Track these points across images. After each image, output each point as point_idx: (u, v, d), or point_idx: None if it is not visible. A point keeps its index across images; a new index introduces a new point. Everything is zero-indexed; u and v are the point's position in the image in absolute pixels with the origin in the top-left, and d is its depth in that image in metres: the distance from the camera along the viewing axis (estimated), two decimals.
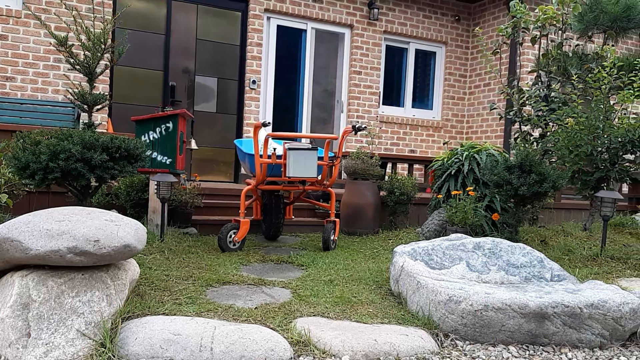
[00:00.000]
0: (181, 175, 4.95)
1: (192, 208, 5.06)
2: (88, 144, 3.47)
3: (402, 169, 8.82)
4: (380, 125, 9.15)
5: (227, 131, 8.43)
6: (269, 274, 3.94)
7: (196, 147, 5.24)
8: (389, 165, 7.34)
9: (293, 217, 5.52)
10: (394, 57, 9.57)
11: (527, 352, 3.05)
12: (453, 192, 4.61)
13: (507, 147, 9.13)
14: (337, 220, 4.88)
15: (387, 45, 9.41)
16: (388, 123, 9.30)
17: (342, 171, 5.87)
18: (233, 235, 4.51)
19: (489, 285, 3.35)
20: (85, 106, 3.76)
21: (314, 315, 3.11)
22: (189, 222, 5.11)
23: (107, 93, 3.89)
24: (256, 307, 3.13)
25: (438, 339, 3.06)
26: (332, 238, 4.78)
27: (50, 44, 6.39)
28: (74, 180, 3.50)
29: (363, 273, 4.03)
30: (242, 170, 8.14)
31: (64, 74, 6.69)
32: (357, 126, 4.52)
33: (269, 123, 4.14)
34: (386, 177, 6.04)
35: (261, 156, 4.50)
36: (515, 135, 5.70)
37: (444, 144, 6.06)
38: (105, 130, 7.27)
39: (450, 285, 3.18)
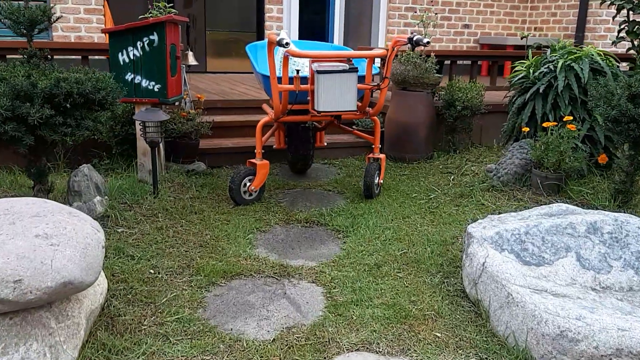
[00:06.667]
0: (177, 102, 3.80)
1: (197, 138, 3.98)
2: (22, 93, 2.34)
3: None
4: None
5: (247, 11, 7.07)
6: (294, 252, 2.95)
7: (196, 63, 4.01)
8: (447, 63, 5.93)
9: (325, 143, 4.39)
10: None
11: None
12: (545, 124, 3.36)
13: (583, 24, 7.42)
14: (383, 156, 3.74)
15: None
16: None
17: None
18: (248, 184, 3.46)
19: (612, 295, 2.29)
20: (22, 29, 2.56)
21: (356, 350, 2.15)
22: (195, 155, 4.07)
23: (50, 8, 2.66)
24: (274, 339, 2.18)
25: None
26: (376, 182, 3.67)
27: None
28: (7, 145, 2.43)
29: (421, 247, 2.99)
30: None
31: None
32: (415, 39, 3.19)
33: (287, 44, 2.85)
34: (442, 83, 4.73)
35: (280, 80, 3.29)
36: (622, 27, 4.24)
37: (521, 38, 4.63)
38: (102, 17, 6.03)
39: (560, 306, 2.13)
